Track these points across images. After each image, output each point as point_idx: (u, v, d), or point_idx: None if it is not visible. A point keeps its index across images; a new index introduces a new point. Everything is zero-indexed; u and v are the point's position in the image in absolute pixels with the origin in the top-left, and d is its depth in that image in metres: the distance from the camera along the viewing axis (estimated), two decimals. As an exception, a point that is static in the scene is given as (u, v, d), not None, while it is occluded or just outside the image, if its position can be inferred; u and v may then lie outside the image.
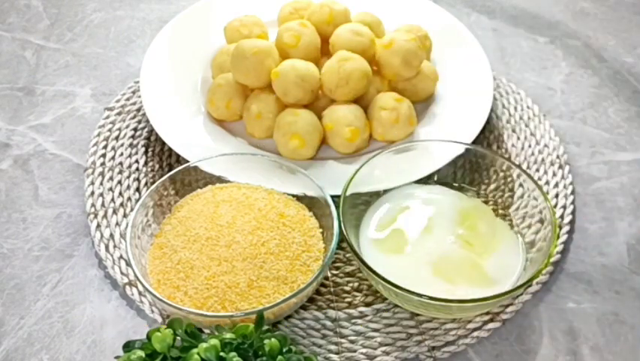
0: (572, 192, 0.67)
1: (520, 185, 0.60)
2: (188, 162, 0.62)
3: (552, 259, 0.61)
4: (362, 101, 0.69)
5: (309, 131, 0.65)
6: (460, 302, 0.51)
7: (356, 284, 0.60)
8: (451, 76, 0.75)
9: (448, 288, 0.54)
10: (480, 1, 0.93)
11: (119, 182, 0.68)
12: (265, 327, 0.48)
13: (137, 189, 0.67)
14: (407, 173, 0.61)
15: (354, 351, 0.55)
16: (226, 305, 0.53)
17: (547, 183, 0.68)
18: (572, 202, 0.66)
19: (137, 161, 0.70)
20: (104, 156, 0.70)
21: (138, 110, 0.75)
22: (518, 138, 0.73)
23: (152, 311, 0.57)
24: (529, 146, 0.72)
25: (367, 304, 0.58)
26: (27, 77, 0.81)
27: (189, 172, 0.61)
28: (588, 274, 0.61)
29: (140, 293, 0.58)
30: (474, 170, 0.61)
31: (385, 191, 0.61)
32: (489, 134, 0.73)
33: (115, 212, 0.65)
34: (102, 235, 0.63)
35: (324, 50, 0.71)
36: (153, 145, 0.72)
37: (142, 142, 0.72)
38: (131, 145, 0.71)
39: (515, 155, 0.71)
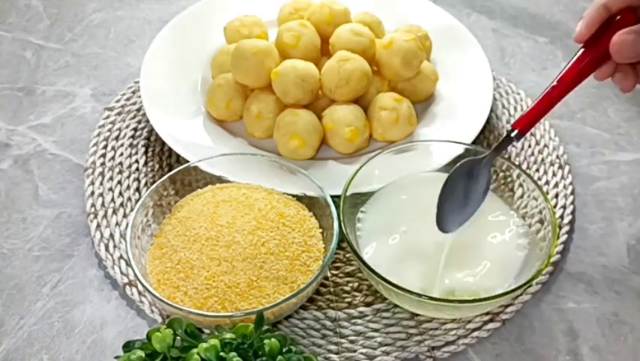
0: (572, 192, 0.67)
1: (520, 185, 0.59)
2: (188, 162, 0.62)
3: (552, 259, 0.61)
4: (362, 101, 0.69)
5: (309, 131, 0.65)
6: (460, 302, 0.51)
7: (356, 284, 0.60)
8: (451, 76, 0.75)
9: (449, 287, 0.54)
10: (480, 1, 0.93)
11: (119, 182, 0.68)
12: (265, 327, 0.48)
13: (137, 189, 0.67)
14: (407, 173, 0.61)
15: (354, 351, 0.55)
16: (226, 305, 0.52)
17: (547, 183, 0.68)
18: (572, 202, 0.66)
19: (137, 161, 0.70)
20: (104, 156, 0.70)
21: (138, 110, 0.75)
22: (518, 138, 0.73)
23: (152, 311, 0.57)
24: (529, 146, 0.72)
25: (367, 304, 0.58)
26: (27, 77, 0.81)
27: (189, 172, 0.61)
28: (588, 274, 0.61)
29: (140, 293, 0.58)
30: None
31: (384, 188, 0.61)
32: (489, 134, 0.73)
33: (115, 212, 0.65)
34: (102, 235, 0.63)
35: (324, 50, 0.71)
36: (153, 145, 0.72)
37: (142, 142, 0.72)
38: (131, 145, 0.71)
39: (515, 155, 0.71)
